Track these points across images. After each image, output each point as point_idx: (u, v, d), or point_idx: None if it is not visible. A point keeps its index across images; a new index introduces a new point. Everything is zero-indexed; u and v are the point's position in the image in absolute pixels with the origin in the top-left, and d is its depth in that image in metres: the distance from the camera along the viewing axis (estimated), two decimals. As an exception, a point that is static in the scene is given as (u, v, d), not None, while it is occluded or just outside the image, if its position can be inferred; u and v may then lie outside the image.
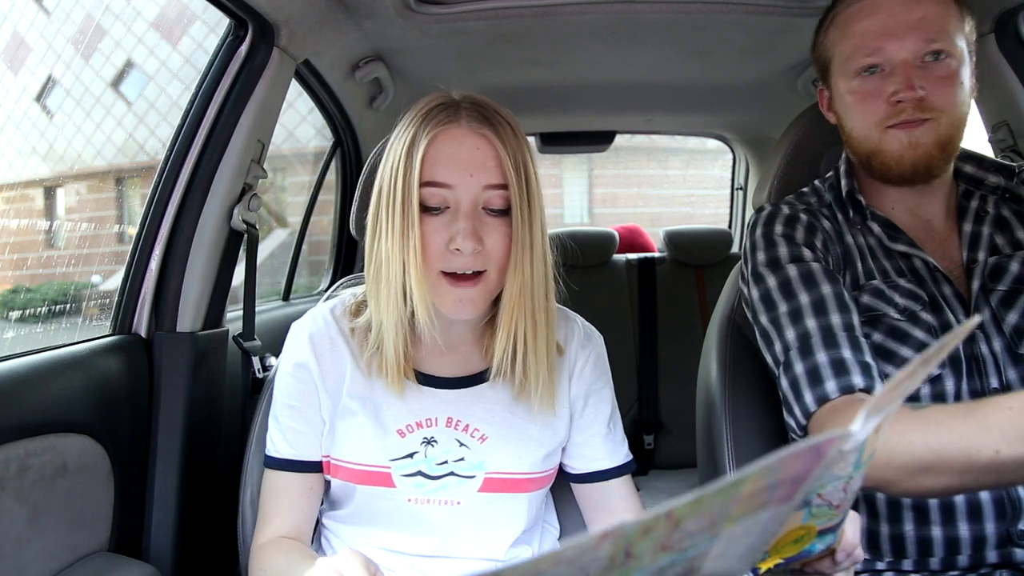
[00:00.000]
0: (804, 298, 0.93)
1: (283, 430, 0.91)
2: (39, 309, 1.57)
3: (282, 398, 0.91)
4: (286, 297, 1.96)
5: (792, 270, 0.96)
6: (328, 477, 0.92)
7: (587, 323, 1.00)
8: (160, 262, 1.25)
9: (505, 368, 0.88)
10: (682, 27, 1.50)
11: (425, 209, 0.81)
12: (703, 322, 2.15)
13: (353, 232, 1.27)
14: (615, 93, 2.07)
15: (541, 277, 0.84)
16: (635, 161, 7.35)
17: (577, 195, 7.00)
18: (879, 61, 0.93)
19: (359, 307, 0.93)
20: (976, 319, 0.51)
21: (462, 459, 0.89)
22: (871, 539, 0.95)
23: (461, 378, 0.92)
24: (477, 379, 0.92)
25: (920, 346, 0.92)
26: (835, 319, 0.91)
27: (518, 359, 0.87)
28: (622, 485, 0.97)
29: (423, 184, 0.80)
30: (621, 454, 0.98)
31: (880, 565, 0.95)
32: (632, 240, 2.82)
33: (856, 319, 0.92)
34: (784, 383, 0.92)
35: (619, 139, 2.60)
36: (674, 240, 2.57)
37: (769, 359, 0.97)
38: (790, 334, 0.93)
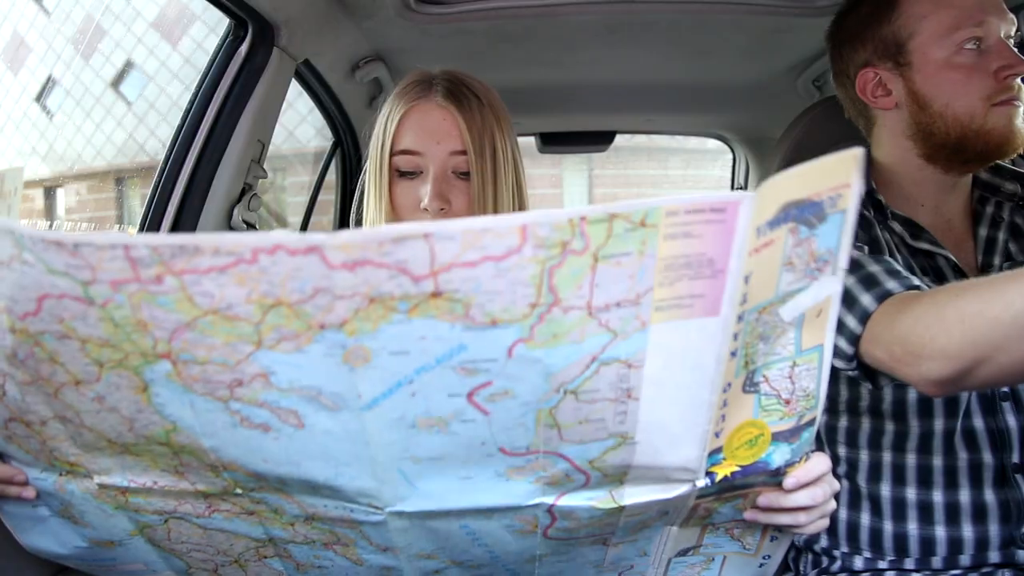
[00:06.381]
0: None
1: None
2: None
3: None
4: (286, 297, 1.95)
5: None
6: None
7: None
8: (160, 262, 1.25)
9: None
10: (682, 27, 1.50)
11: (402, 175, 0.90)
12: (703, 322, 2.14)
13: (353, 232, 1.27)
14: (615, 93, 2.07)
15: None
16: (635, 161, 7.34)
17: (577, 195, 6.99)
18: (982, 35, 0.90)
19: None
20: None
21: None
22: (874, 538, 0.96)
23: None
24: None
25: None
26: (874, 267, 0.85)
27: None
28: None
29: (399, 152, 0.89)
30: None
31: (882, 564, 0.95)
32: (632, 240, 2.82)
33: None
34: None
35: (619, 139, 2.59)
36: (674, 240, 2.56)
37: None
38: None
